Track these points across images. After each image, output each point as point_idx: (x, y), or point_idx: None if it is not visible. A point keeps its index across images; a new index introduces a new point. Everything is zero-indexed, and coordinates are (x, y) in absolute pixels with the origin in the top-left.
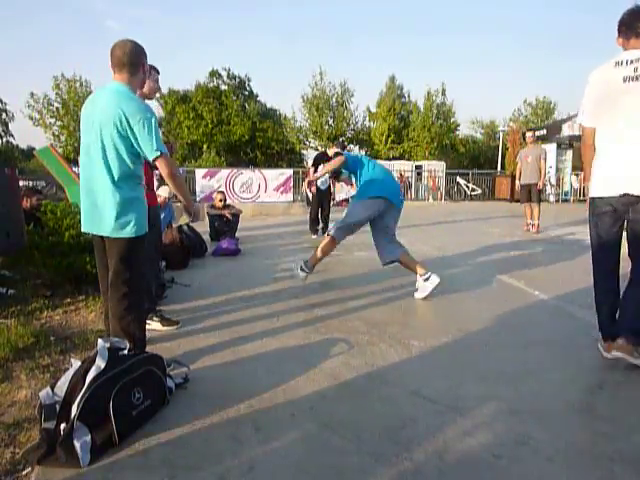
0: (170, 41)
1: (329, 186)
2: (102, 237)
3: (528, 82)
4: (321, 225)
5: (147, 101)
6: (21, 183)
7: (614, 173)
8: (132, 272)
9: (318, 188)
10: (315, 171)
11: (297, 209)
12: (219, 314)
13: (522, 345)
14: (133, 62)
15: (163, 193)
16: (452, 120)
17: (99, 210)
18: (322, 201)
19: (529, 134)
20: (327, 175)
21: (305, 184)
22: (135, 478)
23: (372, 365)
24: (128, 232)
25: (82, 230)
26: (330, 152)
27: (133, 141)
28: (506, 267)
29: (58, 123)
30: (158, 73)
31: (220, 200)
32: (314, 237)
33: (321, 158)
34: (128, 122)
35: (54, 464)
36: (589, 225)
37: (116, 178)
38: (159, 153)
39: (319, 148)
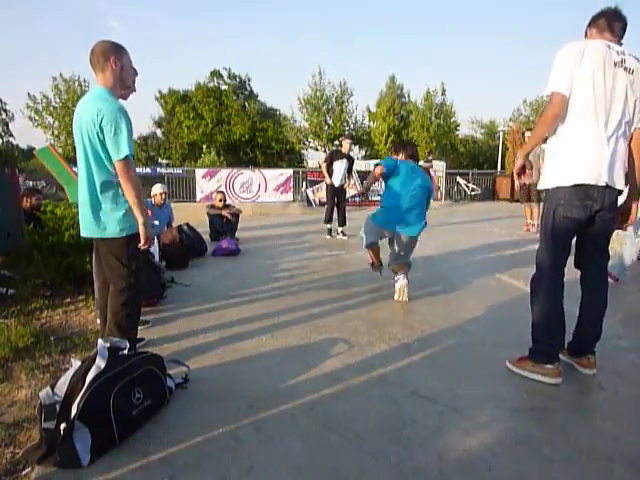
0: (170, 41)
1: (342, 185)
2: (95, 238)
3: (528, 82)
4: (340, 228)
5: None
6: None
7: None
8: (128, 269)
9: (332, 184)
10: (328, 166)
11: (297, 209)
12: (219, 314)
13: (522, 345)
14: (100, 60)
15: (155, 190)
16: (452, 120)
17: (86, 211)
18: (337, 196)
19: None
20: (344, 171)
21: (325, 181)
22: (135, 478)
23: (372, 365)
24: (114, 232)
25: (82, 235)
26: (345, 148)
27: (104, 141)
28: (506, 267)
29: (56, 124)
30: (136, 74)
31: (220, 200)
32: (327, 237)
33: (335, 154)
34: (101, 122)
35: (54, 464)
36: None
37: (98, 179)
38: (122, 156)
39: (319, 148)
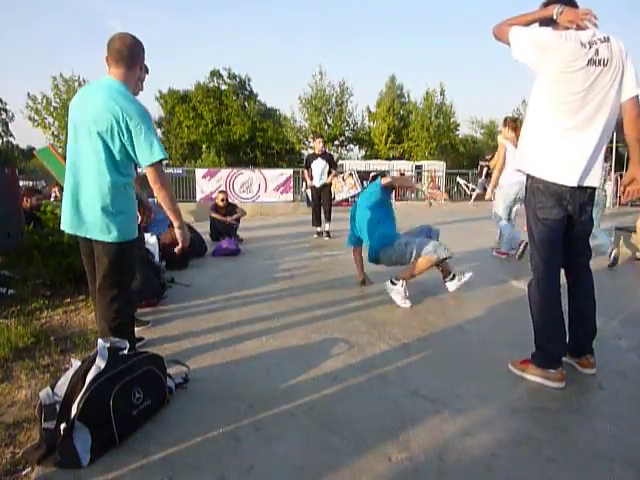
0: (170, 41)
1: (325, 183)
2: (89, 239)
3: (528, 82)
4: (327, 228)
5: None
6: (21, 183)
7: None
8: (122, 274)
9: (314, 186)
10: (308, 170)
11: (297, 209)
12: (219, 314)
13: (523, 345)
14: (132, 56)
15: None
16: (452, 120)
17: (86, 211)
18: (320, 197)
19: None
20: (322, 171)
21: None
22: (135, 478)
23: (372, 365)
24: (117, 236)
25: (63, 229)
26: (317, 148)
27: (127, 143)
28: (506, 267)
29: (57, 123)
30: (147, 73)
31: (222, 200)
32: (315, 236)
33: (310, 156)
34: (127, 123)
35: (54, 464)
36: (532, 216)
37: (107, 179)
38: (156, 159)
39: None
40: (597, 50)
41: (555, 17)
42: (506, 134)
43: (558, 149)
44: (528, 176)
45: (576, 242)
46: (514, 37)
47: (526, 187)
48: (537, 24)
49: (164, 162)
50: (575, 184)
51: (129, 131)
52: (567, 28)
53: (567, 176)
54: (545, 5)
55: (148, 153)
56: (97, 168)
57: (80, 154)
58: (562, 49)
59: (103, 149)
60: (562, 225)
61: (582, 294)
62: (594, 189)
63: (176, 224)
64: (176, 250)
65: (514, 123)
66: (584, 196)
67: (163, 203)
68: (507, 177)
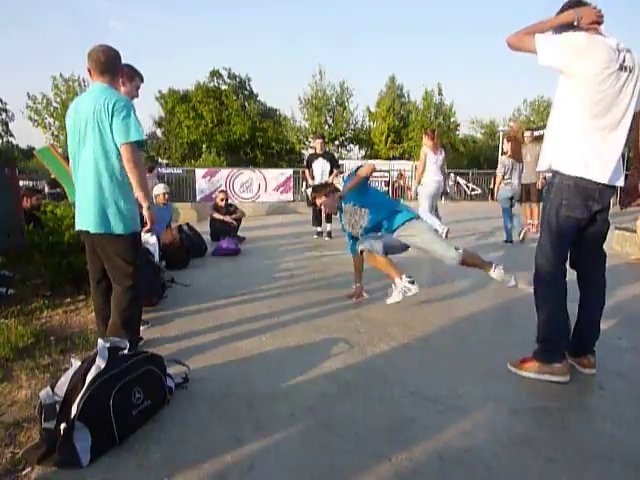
0: (170, 41)
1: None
2: (96, 234)
3: (528, 82)
4: (328, 228)
5: None
6: (21, 183)
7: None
8: (133, 266)
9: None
10: (309, 170)
11: (297, 209)
12: (219, 314)
13: (522, 344)
14: (115, 69)
15: (158, 190)
16: (452, 120)
17: (89, 204)
18: None
19: (527, 134)
20: (322, 171)
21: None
22: (135, 478)
23: (372, 365)
24: (123, 228)
25: (76, 228)
26: (318, 148)
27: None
28: (506, 267)
29: (57, 123)
30: (142, 81)
31: (222, 200)
32: (315, 236)
33: (311, 156)
34: (113, 108)
35: (54, 464)
36: (550, 212)
37: (109, 173)
38: (132, 139)
39: None
40: (624, 57)
41: (576, 23)
42: (426, 142)
43: (590, 148)
44: (556, 173)
45: (595, 240)
46: (541, 43)
47: (551, 184)
48: (552, 31)
49: (164, 162)
50: (607, 181)
51: (113, 113)
52: (588, 30)
53: (601, 174)
54: (562, 11)
55: (125, 132)
56: (95, 160)
57: (81, 151)
58: (598, 52)
59: (99, 139)
60: (579, 226)
61: (596, 296)
62: (615, 189)
63: (145, 204)
64: (144, 230)
65: (432, 133)
66: (609, 195)
67: (133, 181)
68: (428, 176)
